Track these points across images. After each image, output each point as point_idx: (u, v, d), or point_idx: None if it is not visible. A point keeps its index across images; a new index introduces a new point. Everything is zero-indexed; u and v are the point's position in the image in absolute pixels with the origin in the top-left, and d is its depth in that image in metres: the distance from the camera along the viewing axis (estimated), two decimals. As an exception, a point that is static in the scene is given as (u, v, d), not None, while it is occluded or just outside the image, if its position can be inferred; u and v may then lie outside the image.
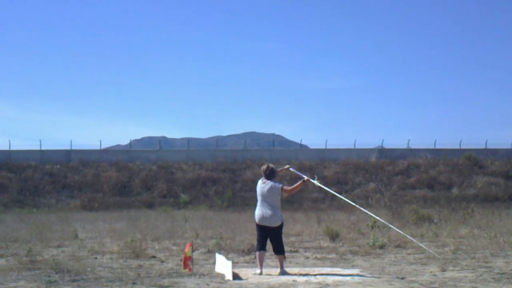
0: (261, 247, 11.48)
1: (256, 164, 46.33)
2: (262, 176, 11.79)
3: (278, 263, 11.55)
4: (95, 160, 47.85)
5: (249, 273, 11.24)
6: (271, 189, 11.49)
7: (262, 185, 11.60)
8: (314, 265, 12.63)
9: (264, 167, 11.85)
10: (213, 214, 30.06)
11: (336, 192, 14.11)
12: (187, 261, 11.06)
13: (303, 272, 11.38)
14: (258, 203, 11.59)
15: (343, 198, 13.18)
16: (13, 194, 41.84)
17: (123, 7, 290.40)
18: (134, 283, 10.04)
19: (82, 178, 44.72)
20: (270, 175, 11.69)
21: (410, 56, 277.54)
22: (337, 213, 28.20)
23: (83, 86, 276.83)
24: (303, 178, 12.17)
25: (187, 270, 11.03)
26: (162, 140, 56.49)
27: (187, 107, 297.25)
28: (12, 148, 48.76)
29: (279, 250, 11.51)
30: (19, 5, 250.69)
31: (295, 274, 11.13)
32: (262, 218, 11.44)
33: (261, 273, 11.16)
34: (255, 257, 11.80)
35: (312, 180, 12.22)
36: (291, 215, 27.17)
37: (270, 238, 11.53)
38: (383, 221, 13.38)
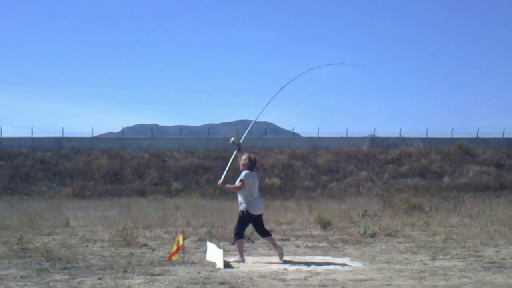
0: (243, 235, 11.74)
1: (248, 153, 46.38)
2: (253, 167, 11.87)
3: (271, 246, 11.81)
4: (87, 147, 47.73)
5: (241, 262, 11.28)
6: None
7: (256, 176, 11.71)
8: (305, 254, 12.66)
9: (255, 158, 12.01)
10: (205, 202, 30.04)
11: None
12: (178, 250, 11.08)
13: (295, 260, 11.42)
14: (256, 194, 11.75)
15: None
16: (4, 181, 41.72)
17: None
18: (125, 271, 10.04)
19: (73, 166, 44.62)
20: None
21: (402, 45, 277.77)
22: (328, 201, 28.23)
23: (75, 73, 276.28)
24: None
25: (175, 257, 11.08)
26: (154, 128, 56.43)
27: (179, 95, 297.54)
28: (4, 135, 48.62)
29: (266, 232, 11.82)
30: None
31: (288, 262, 11.19)
32: (261, 207, 11.82)
33: (244, 261, 11.28)
34: (236, 246, 11.75)
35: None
36: (282, 204, 27.22)
37: (258, 225, 11.77)
38: None
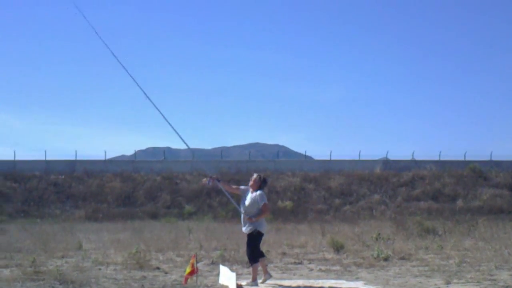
0: (258, 259, 11.62)
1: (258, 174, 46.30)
2: (264, 187, 11.84)
3: (262, 268, 11.70)
4: (100, 170, 47.84)
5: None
6: None
7: None
8: (318, 277, 12.60)
9: (266, 178, 12.07)
10: (217, 225, 30.01)
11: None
12: (193, 273, 11.07)
13: (307, 284, 11.36)
14: None
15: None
16: (18, 204, 41.84)
17: (127, 17, 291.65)
18: (138, 295, 10.03)
19: (86, 189, 44.73)
20: None
21: (414, 67, 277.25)
22: (341, 224, 28.13)
23: (88, 96, 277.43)
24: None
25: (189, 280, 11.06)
26: (167, 151, 56.71)
27: (191, 118, 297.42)
28: (17, 158, 48.76)
29: (262, 253, 11.88)
30: (23, 15, 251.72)
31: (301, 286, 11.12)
32: None
33: (257, 285, 11.29)
34: (251, 269, 11.67)
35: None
36: (295, 227, 27.15)
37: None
38: None
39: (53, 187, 44.99)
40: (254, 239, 11.46)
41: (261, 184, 11.74)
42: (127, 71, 13.11)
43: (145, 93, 12.65)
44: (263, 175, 11.98)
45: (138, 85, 12.82)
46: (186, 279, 11.04)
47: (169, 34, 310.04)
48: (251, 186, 11.73)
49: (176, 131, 12.53)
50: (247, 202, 11.53)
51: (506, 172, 48.26)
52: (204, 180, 12.08)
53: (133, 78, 13.00)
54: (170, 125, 12.53)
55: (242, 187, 12.02)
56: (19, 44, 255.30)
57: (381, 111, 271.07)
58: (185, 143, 12.92)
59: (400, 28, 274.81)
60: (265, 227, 11.62)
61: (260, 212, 11.42)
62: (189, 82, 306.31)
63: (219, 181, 11.92)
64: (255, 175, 11.87)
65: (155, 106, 12.54)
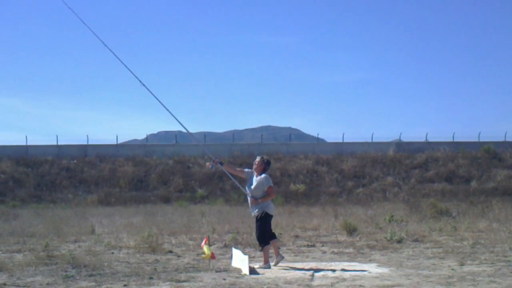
0: (269, 241, 11.59)
1: (273, 158, 46.26)
2: (268, 169, 11.75)
3: (274, 250, 11.67)
4: (112, 154, 47.91)
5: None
6: None
7: None
8: (331, 260, 12.55)
9: (269, 159, 11.95)
10: (230, 208, 30.01)
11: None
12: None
13: (321, 267, 11.31)
14: None
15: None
16: (30, 189, 42.01)
17: (138, 2, 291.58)
18: (150, 278, 10.01)
19: (98, 173, 44.82)
20: None
21: (428, 50, 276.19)
22: (354, 207, 28.06)
23: (99, 81, 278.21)
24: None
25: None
26: (179, 135, 56.50)
27: (203, 101, 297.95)
28: (29, 143, 48.97)
29: (273, 235, 11.82)
30: (34, 2, 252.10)
31: (314, 269, 11.07)
32: None
33: (270, 267, 11.26)
34: (269, 248, 11.61)
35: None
36: (307, 210, 27.11)
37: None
38: None
39: (65, 172, 45.14)
40: (263, 221, 11.41)
41: (265, 167, 11.66)
42: (118, 58, 13.06)
43: (139, 79, 12.60)
44: (266, 158, 11.86)
45: (131, 71, 12.78)
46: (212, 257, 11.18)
47: (184, 18, 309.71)
48: (255, 169, 11.67)
49: (174, 115, 12.48)
50: (252, 186, 11.49)
51: (521, 152, 47.86)
52: (208, 164, 12.01)
53: (126, 66, 12.96)
54: (168, 109, 12.49)
55: (247, 169, 11.97)
56: (31, 30, 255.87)
57: (394, 93, 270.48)
58: (184, 127, 12.84)
59: (411, 11, 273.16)
60: (272, 209, 11.57)
61: (266, 194, 11.37)
62: (202, 65, 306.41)
63: (222, 164, 11.82)
64: (258, 158, 11.81)
65: (150, 91, 12.53)
